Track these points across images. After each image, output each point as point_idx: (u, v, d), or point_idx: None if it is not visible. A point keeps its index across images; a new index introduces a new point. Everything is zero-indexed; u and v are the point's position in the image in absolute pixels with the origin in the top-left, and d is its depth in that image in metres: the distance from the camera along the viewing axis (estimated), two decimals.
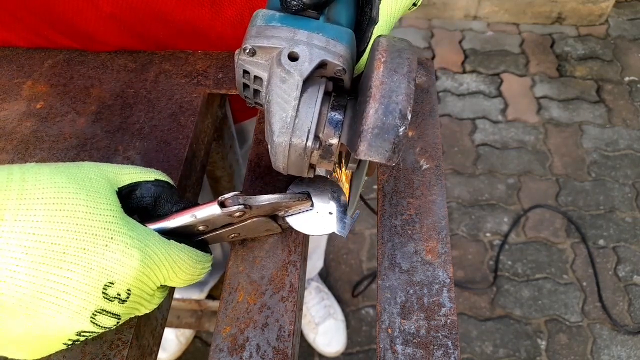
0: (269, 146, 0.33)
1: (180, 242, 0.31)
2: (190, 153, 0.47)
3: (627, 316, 1.42)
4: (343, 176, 0.40)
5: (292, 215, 0.38)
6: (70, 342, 0.28)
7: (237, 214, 0.33)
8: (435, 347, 0.35)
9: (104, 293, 0.27)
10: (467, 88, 1.96)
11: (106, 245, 0.27)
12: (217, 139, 0.60)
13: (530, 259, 1.53)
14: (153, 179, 0.33)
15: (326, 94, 0.33)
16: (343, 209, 0.39)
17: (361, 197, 0.39)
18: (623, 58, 2.06)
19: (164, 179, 0.34)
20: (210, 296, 1.21)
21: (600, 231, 1.57)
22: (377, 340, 0.36)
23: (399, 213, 0.42)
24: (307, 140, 0.32)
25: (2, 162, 0.45)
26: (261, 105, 0.36)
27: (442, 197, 0.43)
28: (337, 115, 0.33)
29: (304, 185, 0.41)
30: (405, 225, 0.41)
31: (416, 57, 0.30)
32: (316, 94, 0.32)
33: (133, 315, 0.31)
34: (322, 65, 0.32)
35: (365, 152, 0.29)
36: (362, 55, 0.35)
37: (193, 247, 0.32)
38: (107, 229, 0.27)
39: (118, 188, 0.30)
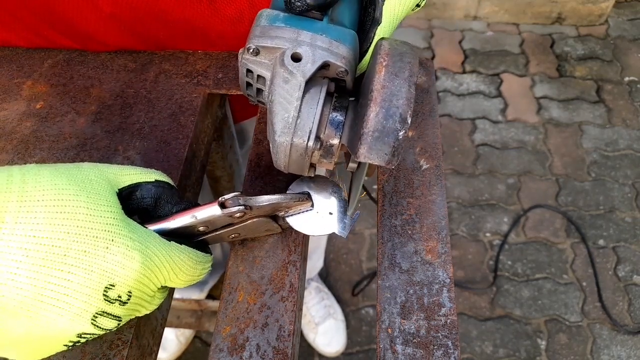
0: (270, 145, 0.34)
1: (180, 243, 0.31)
2: (190, 153, 0.47)
3: (627, 316, 1.42)
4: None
5: (292, 215, 0.38)
6: (71, 344, 0.28)
7: (238, 214, 0.33)
8: (435, 347, 0.35)
9: (104, 295, 0.27)
10: (467, 88, 1.96)
11: (107, 248, 0.27)
12: (217, 139, 0.60)
13: (530, 259, 1.53)
14: (153, 180, 0.33)
15: (328, 94, 0.34)
16: (343, 209, 0.39)
17: (364, 187, 0.39)
18: (623, 58, 2.06)
19: (164, 179, 0.34)
20: (210, 296, 1.21)
21: (600, 231, 1.57)
22: (377, 340, 0.36)
23: (399, 213, 0.42)
24: (308, 140, 0.32)
25: (2, 162, 0.45)
26: (263, 103, 0.36)
27: (442, 197, 0.43)
28: (339, 116, 0.33)
29: (304, 185, 0.41)
30: (405, 225, 0.41)
31: (417, 61, 0.31)
32: (318, 95, 0.32)
33: (133, 317, 0.31)
34: (324, 66, 0.32)
35: (366, 154, 0.29)
36: (364, 55, 0.36)
37: (193, 248, 0.32)
38: (108, 231, 0.27)
39: (118, 189, 0.30)
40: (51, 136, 0.47)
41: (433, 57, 2.08)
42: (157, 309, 0.33)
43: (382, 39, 0.32)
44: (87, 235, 0.26)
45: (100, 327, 0.28)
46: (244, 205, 0.33)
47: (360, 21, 0.37)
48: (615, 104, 1.90)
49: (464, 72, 2.02)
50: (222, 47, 0.54)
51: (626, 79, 1.99)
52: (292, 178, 0.42)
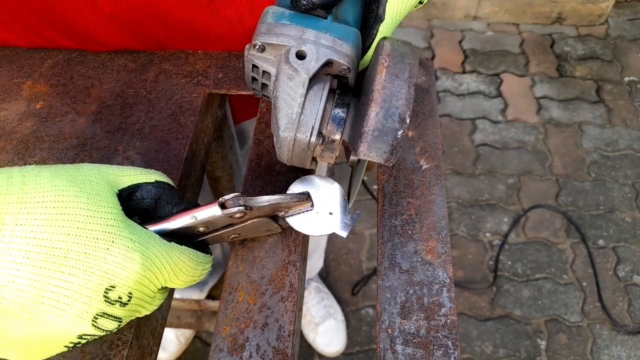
0: (274, 139, 0.35)
1: (180, 244, 0.31)
2: (190, 153, 0.47)
3: (627, 316, 1.42)
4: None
5: (292, 215, 0.38)
6: (71, 345, 0.28)
7: (238, 215, 0.33)
8: (435, 347, 0.35)
9: (105, 297, 0.27)
10: (467, 88, 1.96)
11: (107, 249, 0.27)
12: (217, 139, 0.60)
13: (530, 259, 1.53)
14: (153, 181, 0.33)
15: (331, 91, 0.35)
16: (343, 209, 0.39)
17: (364, 183, 0.40)
18: (623, 58, 2.06)
19: (164, 180, 0.34)
20: (210, 296, 1.21)
21: (600, 231, 1.57)
22: (377, 340, 0.36)
23: (399, 213, 0.42)
24: (311, 136, 0.33)
25: (2, 162, 0.45)
26: (268, 97, 0.37)
27: (442, 197, 0.43)
28: (341, 113, 0.35)
29: (304, 185, 0.41)
30: (405, 225, 0.41)
31: (417, 62, 0.32)
32: (321, 92, 0.34)
33: (134, 317, 0.31)
34: (328, 63, 0.33)
35: (365, 152, 0.31)
36: (367, 51, 0.36)
37: (193, 249, 0.32)
38: (108, 232, 0.27)
39: (118, 190, 0.30)
40: (51, 136, 0.47)
41: (433, 57, 2.08)
42: (157, 309, 0.33)
43: (384, 38, 0.33)
44: (87, 237, 0.26)
45: (100, 329, 0.28)
46: (244, 205, 0.33)
47: (364, 18, 0.38)
48: (615, 104, 1.90)
49: (464, 72, 2.02)
50: (222, 47, 0.54)
51: (626, 79, 1.99)
52: (292, 178, 0.42)
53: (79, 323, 0.27)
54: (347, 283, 1.49)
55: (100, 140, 0.46)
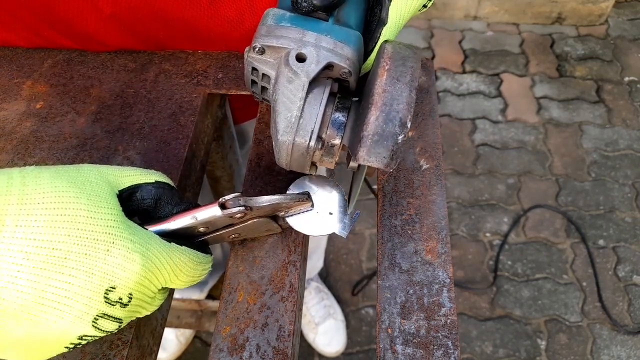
0: (273, 142, 0.34)
1: (181, 244, 0.31)
2: (190, 153, 0.47)
3: (627, 316, 1.42)
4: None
5: (292, 215, 0.38)
6: (71, 346, 0.28)
7: (238, 215, 0.33)
8: (435, 347, 0.35)
9: (105, 298, 0.27)
10: (467, 88, 1.96)
11: (108, 250, 0.27)
12: (217, 139, 0.60)
13: (530, 259, 1.53)
14: (153, 181, 0.33)
15: (331, 94, 0.34)
16: (343, 209, 0.39)
17: (366, 181, 0.40)
18: (623, 58, 2.06)
19: (164, 180, 0.34)
20: (210, 296, 1.21)
21: (600, 231, 1.57)
22: (377, 340, 0.36)
23: (399, 213, 0.42)
24: (310, 140, 0.33)
25: (2, 162, 0.45)
26: (268, 101, 0.37)
27: (442, 197, 0.43)
28: (341, 117, 0.34)
29: (304, 185, 0.41)
30: (405, 225, 0.41)
31: (420, 65, 0.31)
32: (321, 95, 0.33)
33: (134, 318, 0.31)
34: (328, 66, 0.33)
35: (365, 157, 0.30)
36: (369, 55, 0.36)
37: (194, 249, 0.32)
38: (109, 233, 0.27)
39: (118, 191, 0.30)
40: (51, 136, 0.47)
41: (433, 57, 2.08)
42: (157, 309, 0.33)
43: (386, 41, 0.32)
44: (87, 238, 0.26)
45: (101, 329, 0.28)
46: (244, 205, 0.33)
47: (367, 21, 0.37)
48: (615, 104, 1.90)
49: (464, 72, 2.02)
50: (223, 47, 0.54)
51: (626, 79, 1.99)
52: (292, 178, 0.42)
53: (80, 324, 0.27)
54: (347, 283, 1.49)
55: (100, 140, 0.46)
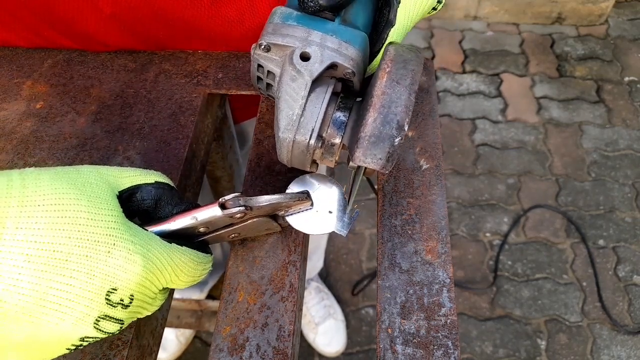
0: (275, 139, 0.35)
1: (181, 245, 0.31)
2: (190, 153, 0.47)
3: (627, 316, 1.42)
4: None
5: (292, 214, 0.38)
6: (73, 348, 0.28)
7: (238, 215, 0.33)
8: (435, 347, 0.35)
9: (107, 299, 0.27)
10: (467, 88, 1.96)
11: (108, 252, 0.27)
12: (217, 139, 0.60)
13: (530, 259, 1.53)
14: (153, 181, 0.33)
15: (334, 94, 0.35)
16: (343, 208, 0.39)
17: (368, 180, 0.40)
18: (623, 58, 2.06)
19: (164, 180, 0.34)
20: (210, 296, 1.21)
21: (600, 231, 1.57)
22: (377, 340, 0.36)
23: (399, 213, 0.42)
24: (310, 138, 0.33)
25: (2, 162, 0.45)
26: (273, 97, 0.37)
27: (442, 197, 0.43)
28: (342, 117, 0.34)
29: (303, 184, 0.41)
30: (405, 225, 0.41)
31: (421, 68, 0.32)
32: (324, 95, 0.33)
33: (135, 319, 0.31)
34: (332, 66, 0.33)
35: (361, 158, 0.30)
36: (375, 56, 0.36)
37: (194, 249, 0.32)
38: (109, 235, 0.27)
39: (118, 192, 0.30)
40: (51, 136, 0.47)
41: (433, 57, 2.08)
42: (158, 309, 0.33)
43: (391, 43, 0.32)
44: (88, 240, 0.26)
45: (102, 331, 0.28)
46: (244, 205, 0.33)
47: (375, 22, 0.37)
48: (615, 104, 1.90)
49: (464, 72, 2.02)
50: (222, 47, 0.54)
51: (626, 79, 1.99)
52: (291, 179, 0.42)
53: (81, 326, 0.27)
54: (347, 283, 1.49)
55: (100, 140, 0.46)
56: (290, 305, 0.37)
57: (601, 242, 1.55)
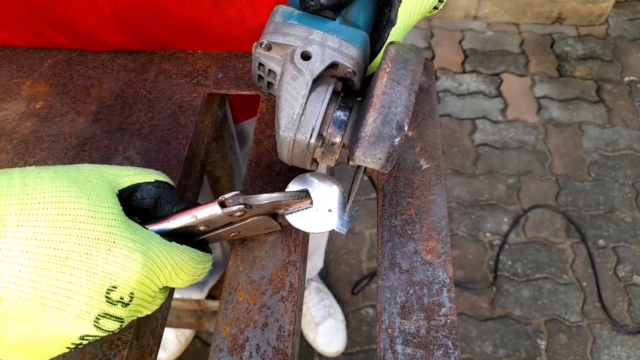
0: (276, 138, 0.35)
1: (181, 243, 0.31)
2: (190, 153, 0.47)
3: (627, 316, 1.42)
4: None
5: (291, 213, 0.38)
6: (73, 346, 0.28)
7: (238, 213, 0.33)
8: (435, 347, 0.35)
9: (107, 297, 0.27)
10: (467, 88, 1.96)
11: (109, 250, 0.27)
12: (217, 139, 0.60)
13: (530, 259, 1.53)
14: (153, 180, 0.33)
15: (334, 93, 0.35)
16: (342, 206, 0.39)
17: (370, 179, 0.40)
18: (623, 58, 2.06)
19: (164, 179, 0.34)
20: (210, 296, 1.21)
21: (600, 231, 1.57)
22: (377, 340, 0.36)
23: (399, 213, 0.42)
24: (310, 137, 0.33)
25: (2, 162, 0.45)
26: (274, 95, 0.38)
27: (442, 197, 0.43)
28: (342, 116, 0.34)
29: (303, 183, 0.41)
30: (405, 225, 0.41)
31: (421, 69, 0.32)
32: (324, 94, 0.33)
33: (135, 317, 0.31)
34: (333, 65, 0.33)
35: (361, 158, 0.31)
36: (376, 55, 0.36)
37: (194, 248, 0.32)
38: (110, 233, 0.27)
39: (118, 190, 0.30)
40: (51, 136, 0.47)
41: (433, 57, 2.08)
42: (158, 309, 0.33)
43: (391, 43, 0.32)
44: (88, 238, 0.26)
45: (102, 329, 0.28)
46: (244, 204, 0.33)
47: (376, 21, 0.38)
48: (615, 104, 1.90)
49: (464, 72, 2.02)
50: (223, 47, 0.54)
51: (626, 79, 1.99)
52: (291, 178, 0.42)
53: (81, 324, 0.27)
54: (347, 283, 1.49)
55: (100, 140, 0.46)
56: (290, 305, 0.37)
57: (601, 242, 1.55)
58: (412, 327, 0.36)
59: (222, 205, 0.32)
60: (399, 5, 0.35)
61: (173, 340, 1.34)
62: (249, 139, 0.75)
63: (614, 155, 1.75)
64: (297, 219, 0.38)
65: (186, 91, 0.51)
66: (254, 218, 0.35)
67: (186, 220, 0.32)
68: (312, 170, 0.41)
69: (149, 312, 0.32)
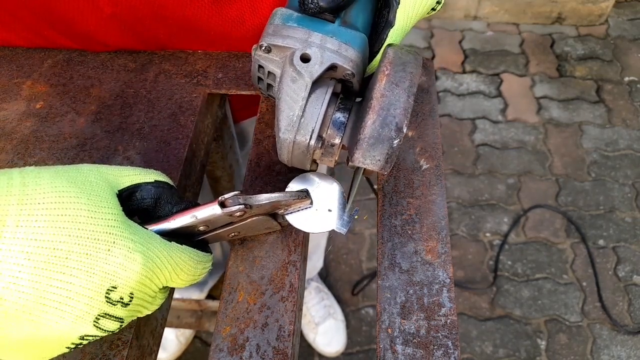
0: (276, 139, 0.35)
1: (181, 243, 0.31)
2: (190, 153, 0.47)
3: (627, 316, 1.42)
4: None
5: (291, 213, 0.38)
6: (73, 346, 0.28)
7: (238, 213, 0.33)
8: (435, 347, 0.35)
9: (107, 297, 0.27)
10: (467, 88, 1.96)
11: (108, 250, 0.27)
12: (217, 139, 0.60)
13: (530, 259, 1.53)
14: (153, 180, 0.33)
15: (334, 95, 0.35)
16: (342, 206, 0.39)
17: (368, 180, 0.40)
18: (623, 58, 2.06)
19: (164, 179, 0.34)
20: (210, 296, 1.21)
21: (600, 231, 1.57)
22: (377, 340, 0.36)
23: (399, 213, 0.42)
24: (310, 139, 0.34)
25: (2, 162, 0.45)
26: (274, 97, 0.38)
27: (442, 197, 0.43)
28: (341, 117, 0.35)
29: (303, 183, 0.41)
30: (405, 225, 0.41)
31: (420, 71, 0.32)
32: (323, 96, 0.34)
33: (135, 317, 0.31)
34: (332, 67, 0.34)
35: (360, 159, 0.31)
36: (375, 56, 0.36)
37: (194, 248, 0.32)
38: (110, 233, 0.27)
39: (118, 190, 0.30)
40: (51, 136, 0.47)
41: (433, 57, 2.08)
42: (158, 309, 0.33)
43: (390, 45, 0.33)
44: (88, 238, 0.26)
45: (102, 329, 0.28)
46: (243, 204, 0.33)
47: (374, 23, 0.38)
48: (615, 104, 1.90)
49: (464, 72, 2.02)
50: (223, 47, 0.54)
51: (626, 79, 1.99)
52: (291, 178, 0.42)
53: (81, 324, 0.27)
54: (347, 283, 1.49)
55: (100, 140, 0.46)
56: (290, 305, 0.37)
57: (601, 242, 1.55)
58: (412, 327, 0.36)
59: (222, 205, 0.32)
60: (397, 7, 0.35)
61: (173, 340, 1.34)
62: (249, 139, 0.75)
63: (614, 155, 1.75)
64: (297, 219, 0.38)
65: (186, 91, 0.51)
66: (254, 218, 0.35)
67: (186, 220, 0.32)
68: (313, 170, 0.41)
69: (149, 312, 0.32)
